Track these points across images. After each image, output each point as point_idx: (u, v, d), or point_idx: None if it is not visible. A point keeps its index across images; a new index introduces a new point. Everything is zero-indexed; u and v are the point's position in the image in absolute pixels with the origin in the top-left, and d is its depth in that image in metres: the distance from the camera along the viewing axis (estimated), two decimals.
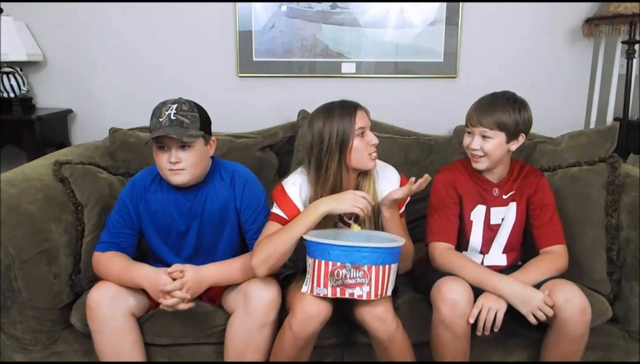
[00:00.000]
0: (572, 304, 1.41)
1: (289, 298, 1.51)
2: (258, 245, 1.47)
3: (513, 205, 1.65)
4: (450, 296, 1.43)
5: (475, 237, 1.66)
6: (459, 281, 1.46)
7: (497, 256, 1.66)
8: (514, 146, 1.59)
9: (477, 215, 1.65)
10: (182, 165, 1.49)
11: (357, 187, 1.57)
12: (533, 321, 1.43)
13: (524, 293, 1.45)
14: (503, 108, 1.55)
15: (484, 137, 1.56)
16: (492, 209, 1.65)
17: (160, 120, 1.48)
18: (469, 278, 1.50)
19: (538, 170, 1.74)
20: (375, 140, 1.53)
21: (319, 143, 1.49)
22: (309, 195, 1.54)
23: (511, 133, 1.56)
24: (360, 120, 1.51)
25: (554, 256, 1.59)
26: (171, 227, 1.61)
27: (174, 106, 1.49)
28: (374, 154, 1.53)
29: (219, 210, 1.60)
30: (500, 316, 1.44)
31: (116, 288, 1.49)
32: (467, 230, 1.66)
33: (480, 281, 1.49)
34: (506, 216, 1.65)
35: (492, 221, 1.65)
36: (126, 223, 1.60)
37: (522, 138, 1.59)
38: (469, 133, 1.61)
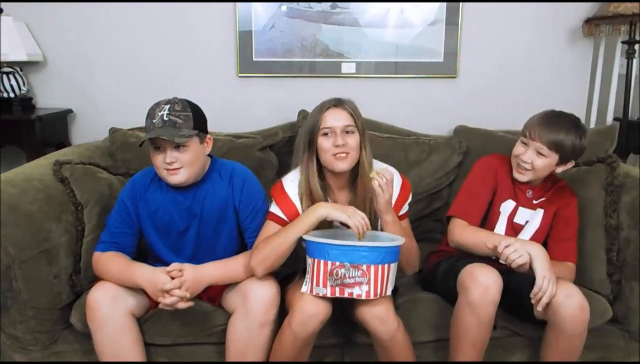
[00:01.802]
0: (572, 301, 1.42)
1: (289, 298, 1.52)
2: (257, 246, 1.48)
3: (540, 212, 1.66)
4: (484, 281, 1.42)
5: (499, 230, 1.67)
6: (492, 269, 1.46)
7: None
8: (559, 169, 1.61)
9: (505, 208, 1.67)
10: (178, 165, 1.50)
11: (355, 187, 1.57)
12: (539, 284, 1.41)
13: (549, 262, 1.45)
14: (568, 131, 1.55)
15: (538, 153, 1.56)
16: (520, 208, 1.66)
17: (154, 121, 1.49)
18: (497, 242, 1.50)
19: (572, 189, 1.74)
20: (339, 142, 1.48)
21: (299, 138, 1.51)
22: (302, 190, 1.55)
23: (565, 158, 1.58)
24: (330, 120, 1.49)
25: (565, 267, 1.61)
26: (170, 226, 1.61)
27: (167, 107, 1.49)
28: (341, 155, 1.49)
29: (218, 209, 1.60)
30: (519, 262, 1.44)
31: (116, 288, 1.49)
32: (493, 220, 1.67)
33: None
34: (531, 220, 1.66)
35: (516, 220, 1.66)
36: (126, 223, 1.60)
37: (570, 164, 1.61)
38: (524, 143, 1.59)
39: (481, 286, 1.42)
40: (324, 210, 1.43)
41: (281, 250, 1.44)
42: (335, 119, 1.50)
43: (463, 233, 1.60)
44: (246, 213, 1.60)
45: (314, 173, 1.54)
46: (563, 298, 1.42)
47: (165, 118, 1.48)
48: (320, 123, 1.50)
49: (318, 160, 1.54)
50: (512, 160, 1.64)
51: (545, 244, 1.65)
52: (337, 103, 1.53)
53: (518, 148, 1.62)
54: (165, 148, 1.49)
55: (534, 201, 1.67)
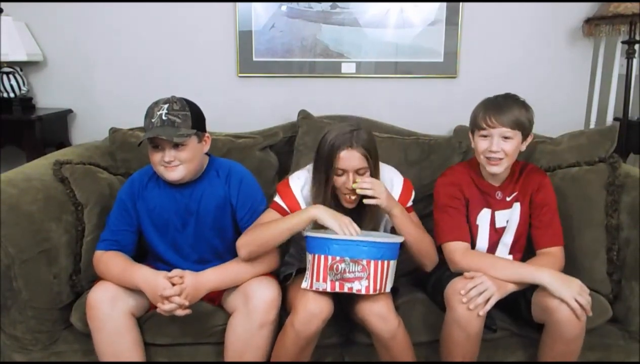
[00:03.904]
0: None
1: (290, 298, 1.52)
2: (249, 229, 1.52)
3: (517, 206, 1.64)
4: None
5: (482, 241, 1.65)
6: None
7: (504, 257, 1.66)
8: (523, 146, 1.59)
9: (483, 218, 1.65)
10: (176, 162, 1.51)
11: (365, 211, 1.55)
12: (576, 306, 1.39)
13: (564, 277, 1.45)
14: (516, 107, 1.55)
15: (504, 138, 1.54)
16: (497, 212, 1.64)
17: (152, 120, 1.50)
18: (502, 275, 1.48)
19: (540, 169, 1.74)
20: (350, 185, 1.48)
21: (315, 158, 1.54)
22: (310, 194, 1.56)
23: (526, 132, 1.57)
24: (343, 162, 1.47)
25: (552, 258, 1.58)
26: (168, 224, 1.61)
27: (166, 106, 1.50)
28: (351, 198, 1.51)
29: (215, 207, 1.60)
30: (491, 302, 1.42)
31: (116, 288, 1.49)
32: (473, 234, 1.65)
33: (515, 276, 1.48)
34: (511, 218, 1.65)
35: (498, 225, 1.65)
36: (125, 221, 1.60)
37: (530, 138, 1.60)
38: (485, 136, 1.56)
39: (462, 304, 1.42)
40: (316, 211, 1.43)
41: (265, 239, 1.47)
42: (349, 161, 1.47)
43: (464, 262, 1.54)
44: (244, 211, 1.61)
45: (328, 198, 1.53)
46: (558, 303, 1.41)
47: (163, 117, 1.49)
48: (335, 163, 1.48)
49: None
50: (479, 157, 1.59)
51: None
52: (352, 142, 1.47)
53: (481, 144, 1.56)
54: (164, 147, 1.50)
55: (507, 199, 1.65)
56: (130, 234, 1.61)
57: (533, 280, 1.46)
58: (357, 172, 1.49)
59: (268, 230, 1.48)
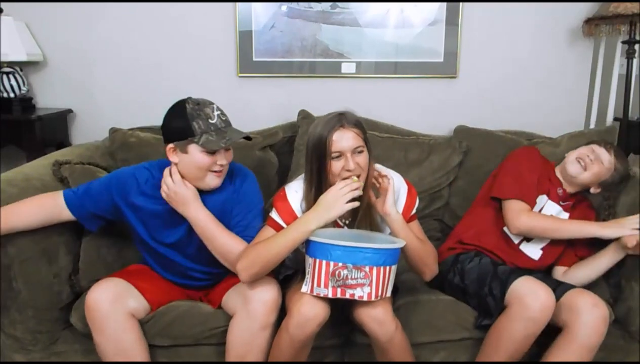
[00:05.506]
0: (598, 310, 1.45)
1: (287, 300, 1.50)
2: (246, 249, 1.45)
3: (566, 215, 1.74)
4: (543, 296, 1.45)
5: None
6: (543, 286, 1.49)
7: (534, 249, 1.72)
8: (593, 189, 1.79)
9: (538, 202, 1.72)
10: (224, 167, 1.51)
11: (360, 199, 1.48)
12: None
13: (615, 222, 1.63)
14: (624, 167, 1.78)
15: (601, 162, 1.73)
16: (549, 202, 1.73)
17: (212, 121, 1.45)
18: (566, 235, 1.65)
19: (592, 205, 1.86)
20: (350, 166, 1.42)
21: (307, 155, 1.48)
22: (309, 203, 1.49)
23: (606, 184, 1.78)
24: (339, 143, 1.41)
25: None
26: (175, 235, 1.58)
27: (212, 105, 1.48)
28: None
29: (220, 212, 1.57)
30: None
31: (116, 289, 1.48)
32: None
33: (579, 233, 1.64)
34: (555, 215, 1.73)
35: (543, 212, 1.73)
36: (100, 206, 1.58)
37: (598, 190, 1.80)
38: (592, 150, 1.76)
39: (539, 301, 1.44)
40: (316, 222, 1.37)
41: (267, 259, 1.40)
42: (343, 141, 1.42)
43: (529, 222, 1.62)
44: (237, 210, 1.57)
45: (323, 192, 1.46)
46: (590, 306, 1.46)
47: (222, 117, 1.48)
48: (330, 147, 1.42)
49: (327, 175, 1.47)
50: (579, 157, 1.72)
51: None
52: (342, 122, 1.43)
53: (583, 150, 1.75)
54: (220, 150, 1.47)
55: (562, 203, 1.74)
56: (95, 218, 1.59)
57: (593, 234, 1.61)
58: (355, 150, 1.42)
59: (269, 250, 1.40)
